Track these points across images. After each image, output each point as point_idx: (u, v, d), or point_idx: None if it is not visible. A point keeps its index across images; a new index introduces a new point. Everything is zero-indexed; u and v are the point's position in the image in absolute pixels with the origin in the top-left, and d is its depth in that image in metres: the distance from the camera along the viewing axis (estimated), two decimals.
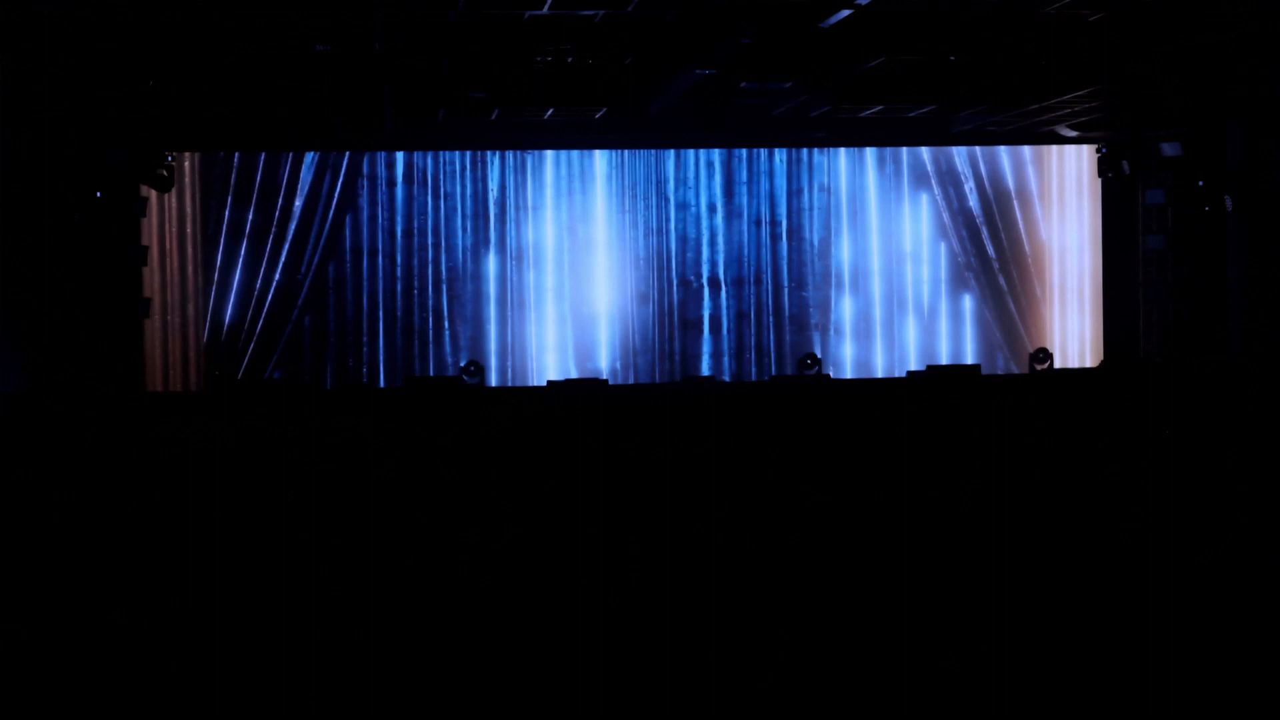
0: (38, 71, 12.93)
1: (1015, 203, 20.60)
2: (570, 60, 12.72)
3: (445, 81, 13.82)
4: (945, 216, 20.55)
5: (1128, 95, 14.73)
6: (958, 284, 20.74)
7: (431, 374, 19.60)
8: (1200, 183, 17.53)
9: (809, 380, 17.08)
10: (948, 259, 20.73)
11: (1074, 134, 18.25)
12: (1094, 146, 19.31)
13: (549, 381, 18.70)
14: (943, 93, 13.64)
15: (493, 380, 19.59)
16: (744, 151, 20.06)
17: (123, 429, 11.67)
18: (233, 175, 19.35)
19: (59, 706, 4.80)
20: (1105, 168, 18.92)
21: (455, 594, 5.48)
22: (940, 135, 18.37)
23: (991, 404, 11.01)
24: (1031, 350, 20.17)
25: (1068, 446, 10.23)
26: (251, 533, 5.81)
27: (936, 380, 15.67)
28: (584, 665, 4.91)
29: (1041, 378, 17.52)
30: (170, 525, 6.31)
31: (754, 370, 19.92)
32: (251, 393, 15.33)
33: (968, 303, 20.79)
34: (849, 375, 19.92)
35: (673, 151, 19.91)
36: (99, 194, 16.24)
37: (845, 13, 11.54)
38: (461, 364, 19.78)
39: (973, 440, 10.87)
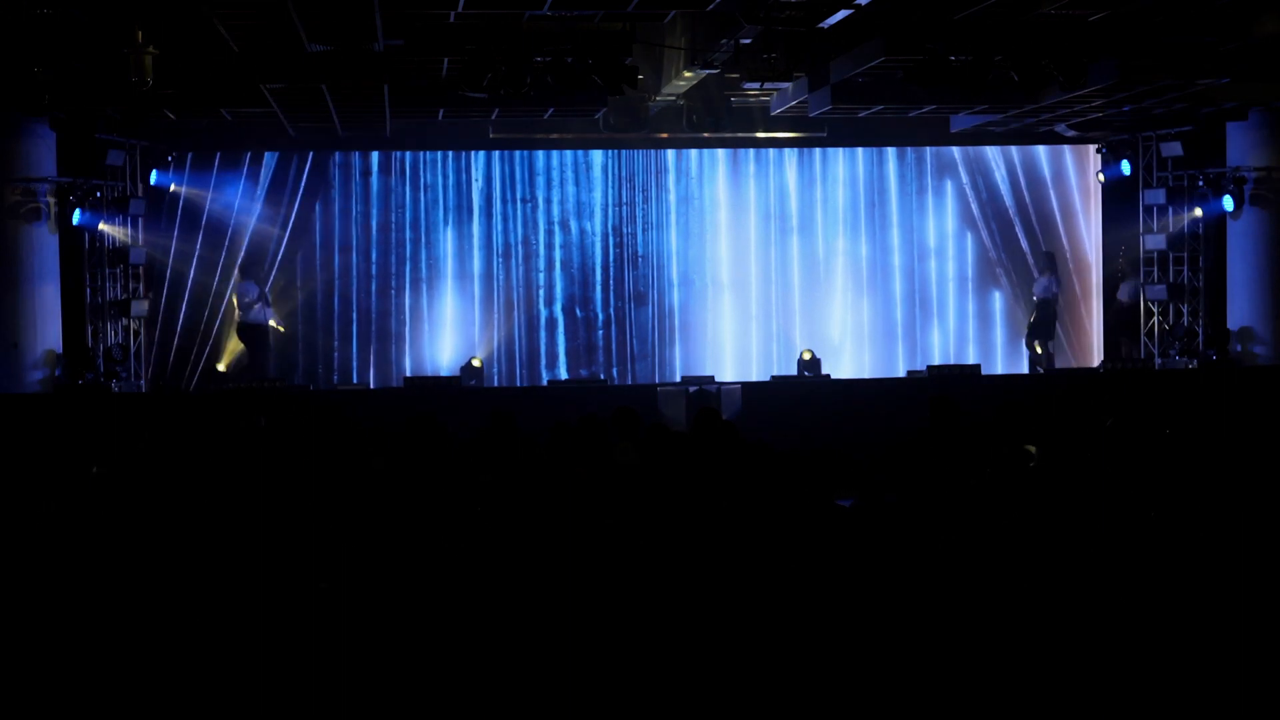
0: (37, 71, 12.95)
1: (1051, 193, 19.69)
2: (570, 60, 12.72)
3: (445, 81, 13.85)
4: (974, 208, 19.75)
5: (1128, 95, 14.78)
6: (986, 281, 19.92)
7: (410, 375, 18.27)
8: (1200, 182, 17.59)
9: (809, 381, 17.10)
10: (975, 254, 19.86)
11: (1074, 134, 18.29)
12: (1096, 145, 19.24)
13: (549, 381, 18.49)
14: (943, 93, 13.68)
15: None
16: None
17: (121, 428, 11.70)
18: (187, 159, 17.68)
19: (53, 706, 4.86)
20: (1105, 168, 18.93)
21: (454, 594, 5.54)
22: (940, 135, 18.37)
23: (989, 403, 11.04)
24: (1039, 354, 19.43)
25: (1065, 446, 10.26)
26: (246, 533, 5.86)
27: (936, 380, 15.71)
28: (583, 664, 4.97)
29: (1040, 378, 17.54)
30: (169, 525, 6.36)
31: (757, 372, 19.06)
32: (242, 395, 15.25)
33: (998, 301, 20.08)
34: (867, 377, 19.01)
35: None
36: (99, 194, 16.26)
37: (845, 13, 11.58)
38: (446, 369, 18.65)
39: (968, 440, 10.90)
